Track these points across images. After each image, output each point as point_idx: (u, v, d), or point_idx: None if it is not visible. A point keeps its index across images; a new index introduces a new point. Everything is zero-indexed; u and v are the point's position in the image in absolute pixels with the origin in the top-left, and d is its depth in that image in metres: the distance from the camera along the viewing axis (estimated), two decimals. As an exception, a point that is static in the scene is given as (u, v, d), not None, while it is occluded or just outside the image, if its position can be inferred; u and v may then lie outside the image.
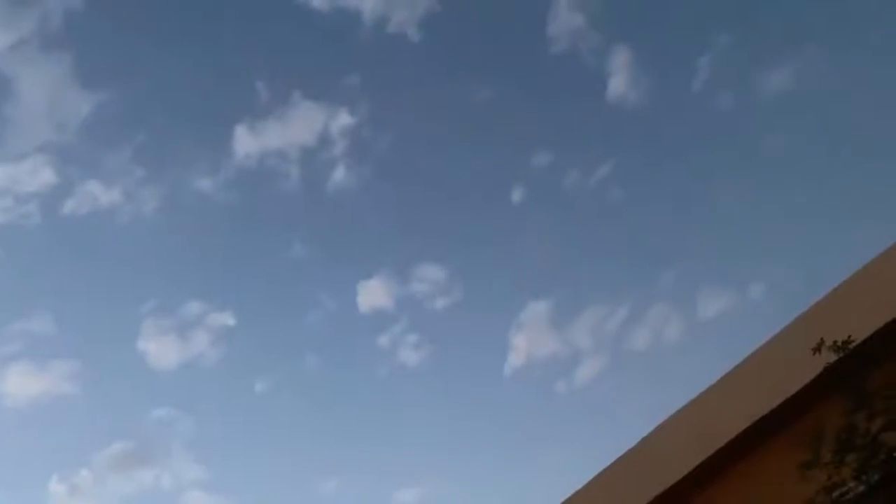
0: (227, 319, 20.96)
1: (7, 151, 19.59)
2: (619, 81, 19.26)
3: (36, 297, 20.58)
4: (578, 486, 8.39)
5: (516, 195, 20.10)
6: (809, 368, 6.29)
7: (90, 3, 18.66)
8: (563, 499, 8.52)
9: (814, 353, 5.92)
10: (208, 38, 19.42)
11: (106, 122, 19.67)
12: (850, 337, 5.84)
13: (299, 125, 20.12)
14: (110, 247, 20.60)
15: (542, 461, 18.60)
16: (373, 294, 20.95)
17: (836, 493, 5.46)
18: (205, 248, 21.09)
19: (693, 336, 19.31)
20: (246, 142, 19.96)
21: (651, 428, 8.12)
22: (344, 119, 20.15)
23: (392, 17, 18.94)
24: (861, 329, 6.34)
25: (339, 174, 20.46)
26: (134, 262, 20.61)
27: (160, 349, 20.79)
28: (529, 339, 20.88)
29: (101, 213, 19.84)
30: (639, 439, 8.13)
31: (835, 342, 5.84)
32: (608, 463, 8.25)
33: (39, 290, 20.59)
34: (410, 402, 20.83)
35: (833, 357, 5.87)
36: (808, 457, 5.53)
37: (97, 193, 19.81)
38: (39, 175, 19.46)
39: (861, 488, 5.41)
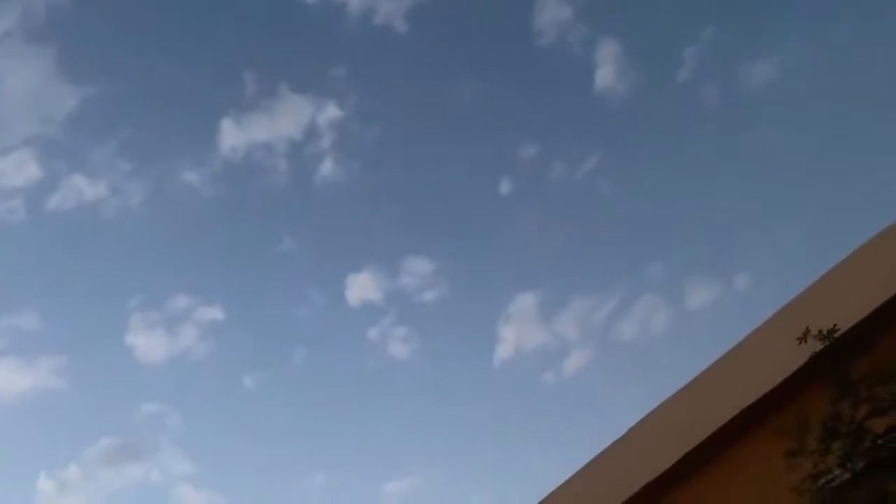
0: (216, 313, 20.90)
1: (-9, 146, 19.40)
2: (606, 73, 19.30)
3: (22, 293, 20.46)
4: (567, 476, 8.41)
5: (504, 188, 20.11)
6: (795, 357, 6.31)
7: (74, -4, 18.48)
8: (552, 489, 8.54)
9: (799, 343, 5.93)
10: (194, 32, 19.28)
11: (91, 116, 19.55)
12: (835, 325, 5.85)
13: (286, 118, 20.04)
14: (97, 241, 20.48)
15: (531, 451, 18.66)
16: (361, 287, 20.94)
17: (822, 481, 5.49)
18: (192, 242, 20.99)
19: (680, 327, 19.41)
20: (232, 135, 19.87)
21: (638, 418, 8.14)
22: (331, 112, 20.09)
23: (378, 9, 18.88)
24: (846, 317, 6.37)
25: (327, 167, 20.40)
26: (121, 257, 20.51)
27: (148, 344, 20.72)
28: (518, 330, 20.95)
29: (87, 208, 19.72)
30: (626, 430, 8.15)
31: (820, 331, 5.85)
32: (596, 453, 8.27)
33: (25, 285, 20.46)
34: (399, 394, 20.86)
35: (818, 346, 5.89)
36: (794, 445, 5.55)
37: (83, 187, 19.69)
38: (25, 169, 19.35)
39: (846, 475, 5.43)
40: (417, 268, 20.94)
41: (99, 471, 20.85)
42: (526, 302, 21.01)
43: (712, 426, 7.26)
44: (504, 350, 20.89)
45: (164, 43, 19.34)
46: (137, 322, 20.74)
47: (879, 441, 5.34)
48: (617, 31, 19.10)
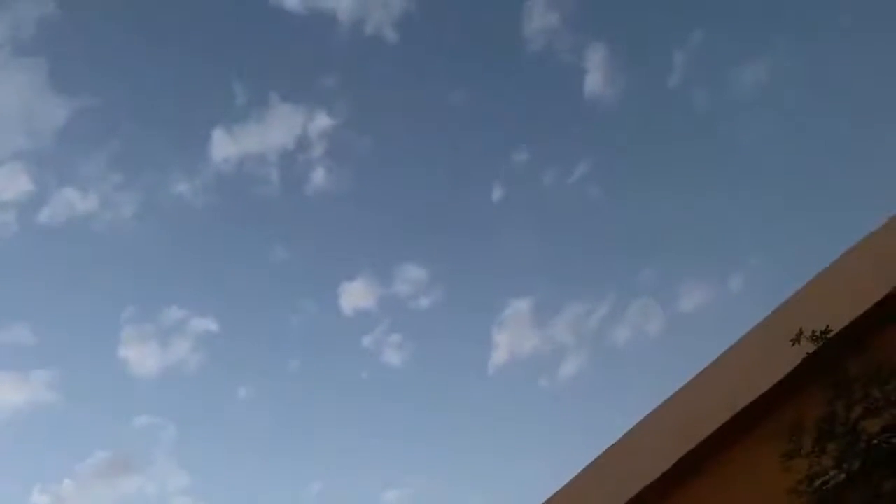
0: (209, 325, 20.78)
1: (-19, 160, 19.29)
2: (596, 79, 19.33)
3: (14, 307, 20.28)
4: (564, 482, 8.39)
5: (496, 194, 20.12)
6: (789, 359, 6.32)
7: (63, 8, 18.45)
8: (548, 495, 8.51)
9: (793, 344, 5.94)
10: (184, 42, 19.26)
11: (81, 128, 19.42)
12: (828, 327, 5.87)
13: (277, 127, 20.00)
14: (88, 254, 20.35)
15: (528, 457, 18.61)
16: (355, 296, 20.89)
17: (817, 482, 5.48)
18: (184, 253, 20.90)
19: (674, 330, 19.41)
20: (224, 145, 19.81)
21: (633, 423, 8.13)
22: (322, 121, 20.06)
23: (368, 18, 18.88)
24: (838, 318, 6.38)
25: (319, 176, 20.38)
26: (112, 269, 20.38)
27: (141, 356, 20.57)
28: (512, 336, 20.91)
29: (78, 220, 19.60)
30: (622, 434, 8.14)
31: (813, 332, 5.87)
32: (593, 458, 8.25)
33: (17, 299, 20.30)
34: (395, 402, 20.79)
35: (812, 347, 5.90)
36: (789, 447, 5.55)
37: (74, 200, 19.57)
38: (15, 183, 19.20)
39: (842, 476, 5.42)
40: (411, 275, 20.93)
41: (93, 485, 20.68)
42: (520, 307, 21.03)
43: (708, 429, 7.25)
44: (499, 356, 20.88)
45: (154, 54, 19.33)
46: (130, 334, 20.63)
47: (874, 441, 5.34)
48: (605, 37, 19.17)
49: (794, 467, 5.52)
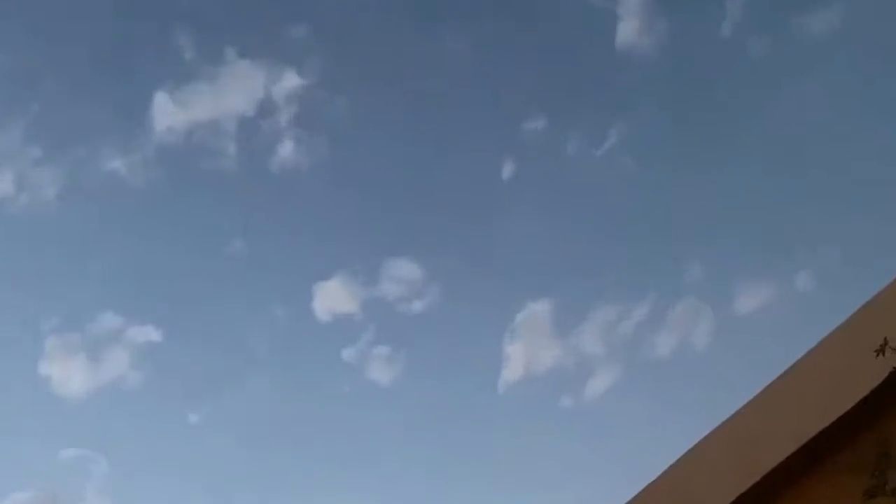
0: (151, 334, 20.89)
1: None
2: (631, 26, 19.37)
3: None
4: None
5: (507, 171, 20.19)
6: (872, 374, 6.39)
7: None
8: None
9: (877, 356, 6.01)
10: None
11: (-9, 91, 19.48)
12: (919, 335, 5.95)
13: (234, 89, 20.07)
14: (0, 245, 20.43)
15: (548, 492, 18.73)
16: (333, 298, 21.02)
17: (906, 525, 5.57)
18: (120, 245, 20.96)
19: (727, 339, 19.49)
20: (168, 111, 19.89)
21: (681, 452, 8.21)
22: (290, 80, 20.14)
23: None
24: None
25: (287, 149, 20.49)
26: (32, 265, 20.46)
27: (68, 373, 20.70)
28: (528, 347, 21.04)
29: (-12, 205, 19.69)
30: (666, 466, 8.22)
31: (901, 342, 5.94)
32: (629, 496, 8.34)
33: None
34: (382, 427, 20.89)
35: (899, 360, 5.98)
36: (871, 482, 5.63)
37: (-19, 180, 19.65)
38: None
39: (936, 518, 5.52)
40: (401, 272, 21.04)
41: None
42: (538, 312, 21.13)
43: (770, 462, 7.33)
44: (511, 371, 21.01)
45: (80, 2, 19.34)
46: (54, 347, 20.74)
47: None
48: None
49: (878, 507, 5.61)
